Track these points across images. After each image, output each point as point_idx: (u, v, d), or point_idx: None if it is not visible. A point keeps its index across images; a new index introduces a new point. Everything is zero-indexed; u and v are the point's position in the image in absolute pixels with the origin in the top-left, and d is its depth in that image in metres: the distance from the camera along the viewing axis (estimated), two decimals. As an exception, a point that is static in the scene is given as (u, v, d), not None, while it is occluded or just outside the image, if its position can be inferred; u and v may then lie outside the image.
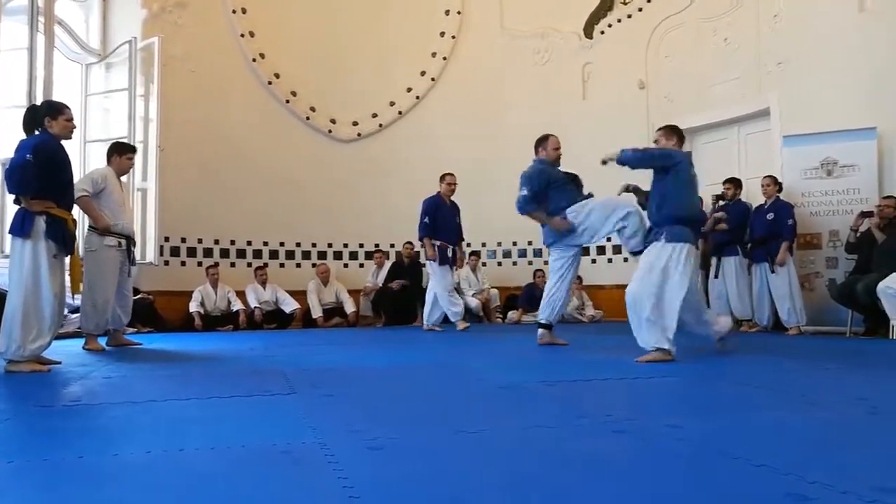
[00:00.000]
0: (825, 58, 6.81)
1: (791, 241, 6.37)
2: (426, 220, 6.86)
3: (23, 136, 3.93)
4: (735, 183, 6.97)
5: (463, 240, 7.26)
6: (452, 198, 7.16)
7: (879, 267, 5.72)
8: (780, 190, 6.55)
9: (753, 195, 7.10)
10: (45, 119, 3.91)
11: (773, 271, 6.36)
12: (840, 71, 6.67)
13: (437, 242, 6.86)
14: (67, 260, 4.08)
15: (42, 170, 3.73)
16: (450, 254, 6.91)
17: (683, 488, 1.54)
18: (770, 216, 6.43)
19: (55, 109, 3.99)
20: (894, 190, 6.24)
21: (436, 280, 6.87)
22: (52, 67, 6.48)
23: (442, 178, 7.12)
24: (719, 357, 4.18)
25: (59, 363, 3.99)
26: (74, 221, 4.05)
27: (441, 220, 6.93)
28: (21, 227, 3.73)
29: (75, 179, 4.22)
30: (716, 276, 6.91)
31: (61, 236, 3.84)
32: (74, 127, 4.11)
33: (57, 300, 3.84)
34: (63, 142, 4.01)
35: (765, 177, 6.64)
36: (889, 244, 5.80)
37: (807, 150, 6.70)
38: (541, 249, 9.53)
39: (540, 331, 4.98)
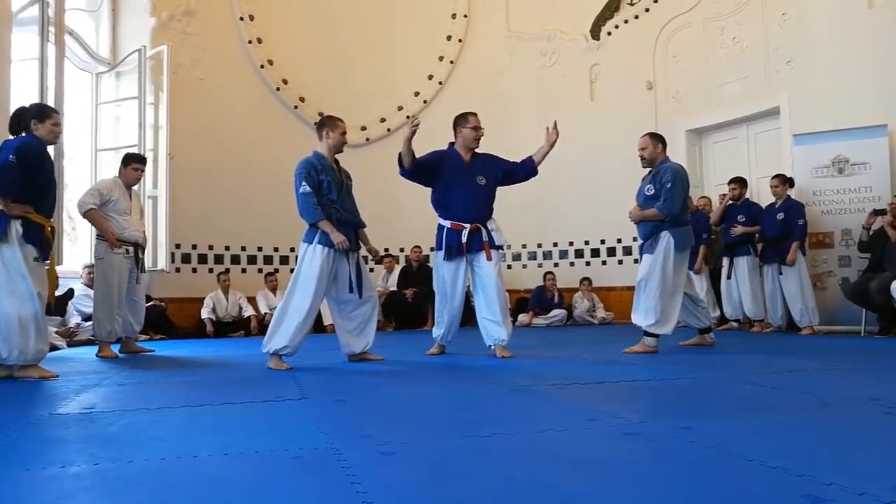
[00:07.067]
0: (835, 55, 6.76)
1: (801, 241, 6.31)
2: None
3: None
4: (740, 183, 6.92)
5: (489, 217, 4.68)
6: (480, 150, 4.72)
7: (893, 265, 5.67)
8: (791, 187, 6.49)
9: (765, 195, 7.06)
10: (31, 121, 3.81)
11: (780, 272, 6.31)
12: (850, 68, 6.62)
13: (447, 223, 4.63)
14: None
15: (23, 172, 3.63)
16: (463, 239, 4.51)
17: (697, 491, 1.53)
18: (780, 216, 6.37)
19: (43, 112, 3.89)
20: (906, 188, 6.19)
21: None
22: (63, 77, 6.52)
23: (460, 121, 4.71)
24: (731, 359, 4.15)
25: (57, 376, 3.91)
26: (53, 228, 3.94)
27: (453, 184, 4.61)
28: None
29: (82, 188, 4.17)
30: (728, 277, 6.86)
31: (38, 241, 3.73)
32: (60, 132, 3.99)
33: (42, 303, 3.75)
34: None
35: (773, 177, 6.56)
36: (902, 242, 5.74)
37: (817, 149, 6.64)
38: (550, 251, 9.53)
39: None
